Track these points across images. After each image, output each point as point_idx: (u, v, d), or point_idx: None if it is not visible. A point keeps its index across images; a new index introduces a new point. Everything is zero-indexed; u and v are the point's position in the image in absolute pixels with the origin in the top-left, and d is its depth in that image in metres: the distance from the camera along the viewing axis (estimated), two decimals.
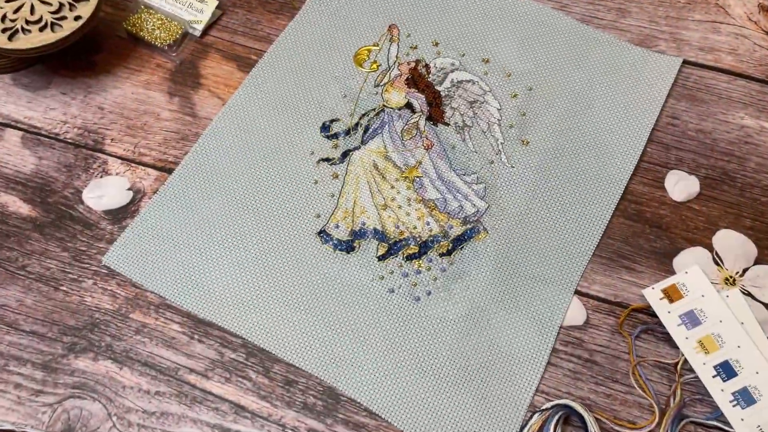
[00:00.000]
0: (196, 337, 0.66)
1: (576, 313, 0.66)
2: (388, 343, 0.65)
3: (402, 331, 0.65)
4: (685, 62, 0.80)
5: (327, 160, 0.73)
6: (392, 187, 0.72)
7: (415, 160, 0.74)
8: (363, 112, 0.76)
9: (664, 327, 0.64)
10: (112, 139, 0.77)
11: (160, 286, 0.67)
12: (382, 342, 0.65)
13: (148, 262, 0.68)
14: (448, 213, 0.71)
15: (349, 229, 0.70)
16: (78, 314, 0.67)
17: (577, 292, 0.66)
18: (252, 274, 0.67)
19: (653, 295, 0.67)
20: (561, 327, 0.65)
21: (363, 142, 0.74)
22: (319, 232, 0.69)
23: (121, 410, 0.63)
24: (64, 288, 0.69)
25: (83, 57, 0.82)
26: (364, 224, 0.70)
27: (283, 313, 0.66)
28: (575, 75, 0.79)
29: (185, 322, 0.66)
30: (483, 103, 0.77)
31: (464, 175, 0.73)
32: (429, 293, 0.67)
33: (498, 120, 0.76)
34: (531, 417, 0.62)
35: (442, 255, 0.69)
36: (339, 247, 0.69)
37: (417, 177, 0.73)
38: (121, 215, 0.71)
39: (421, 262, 0.68)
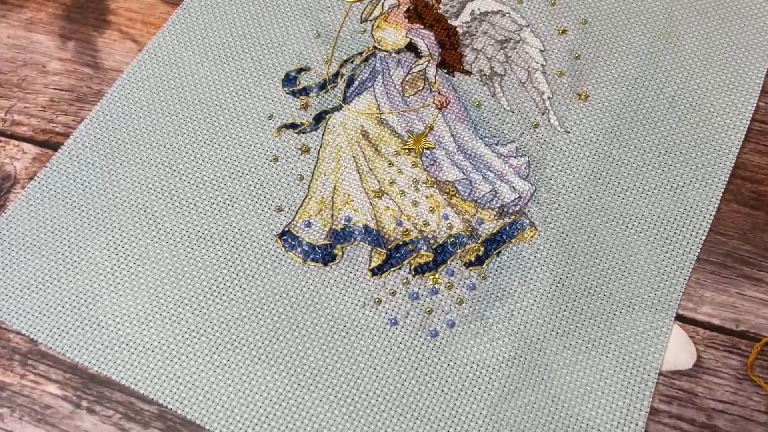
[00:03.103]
0: (84, 404, 0.45)
1: (680, 350, 0.46)
2: (392, 406, 0.44)
3: (412, 385, 0.45)
4: None
5: (293, 126, 0.54)
6: (391, 165, 0.52)
7: (424, 125, 0.53)
8: (345, 58, 0.57)
9: None
10: None
11: (30, 323, 0.47)
12: (382, 404, 0.44)
13: (15, 287, 0.48)
14: (476, 201, 0.50)
15: (327, 229, 0.49)
16: None
17: (678, 318, 0.47)
18: (175, 303, 0.47)
19: None
20: (659, 373, 0.45)
21: (346, 100, 0.55)
22: (282, 234, 0.50)
23: None
24: None
25: None
26: (349, 220, 0.50)
27: (223, 362, 0.45)
28: (647, 2, 0.57)
29: (68, 381, 0.46)
30: (519, 42, 0.56)
31: (497, 144, 0.53)
32: (452, 324, 0.47)
33: (541, 66, 0.56)
34: None
35: (469, 265, 0.48)
36: (312, 256, 0.49)
37: (427, 149, 0.52)
38: None
39: (437, 276, 0.48)
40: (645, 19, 0.56)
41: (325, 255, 0.48)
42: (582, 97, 0.54)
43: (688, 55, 0.55)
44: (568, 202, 0.50)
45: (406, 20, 0.57)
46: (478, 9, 0.57)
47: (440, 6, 0.57)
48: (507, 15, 0.57)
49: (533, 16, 0.57)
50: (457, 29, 0.57)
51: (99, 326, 0.46)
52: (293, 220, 0.50)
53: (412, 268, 0.48)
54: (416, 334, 0.46)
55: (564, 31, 0.56)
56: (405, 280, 0.48)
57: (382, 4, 0.58)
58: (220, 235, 0.49)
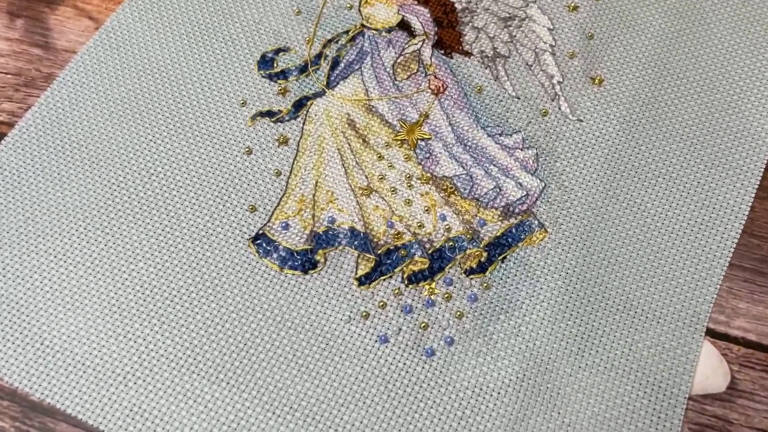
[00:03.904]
0: None
1: (712, 371, 0.41)
2: None
3: (404, 412, 0.40)
4: None
5: (269, 114, 0.48)
6: (380, 158, 0.47)
7: (418, 113, 0.48)
8: (329, 37, 0.51)
9: None
10: None
11: None
12: None
13: None
14: (477, 199, 0.45)
15: (308, 231, 0.44)
16: None
17: (709, 333, 0.42)
18: (132, 318, 0.42)
19: None
20: (688, 398, 0.40)
21: (330, 85, 0.50)
22: (256, 238, 0.44)
23: None
24: None
25: None
26: (332, 222, 0.45)
27: (186, 388, 0.40)
28: None
29: (6, 410, 0.41)
30: (524, 19, 0.51)
31: (501, 135, 0.48)
32: (450, 342, 0.42)
33: (550, 46, 0.51)
34: None
35: (470, 273, 0.43)
36: (290, 263, 0.43)
37: (422, 140, 0.47)
38: None
39: (434, 286, 0.43)
40: None
41: (305, 262, 0.43)
42: (596, 81, 0.48)
43: (714, 33, 0.50)
44: (582, 201, 0.44)
45: None
46: None
47: None
48: None
49: None
50: (456, 5, 0.51)
51: (42, 346, 0.40)
52: (269, 221, 0.44)
53: (405, 276, 0.43)
54: (410, 353, 0.41)
55: (575, 8, 0.51)
56: (397, 291, 0.42)
57: None
58: (184, 239, 0.43)
